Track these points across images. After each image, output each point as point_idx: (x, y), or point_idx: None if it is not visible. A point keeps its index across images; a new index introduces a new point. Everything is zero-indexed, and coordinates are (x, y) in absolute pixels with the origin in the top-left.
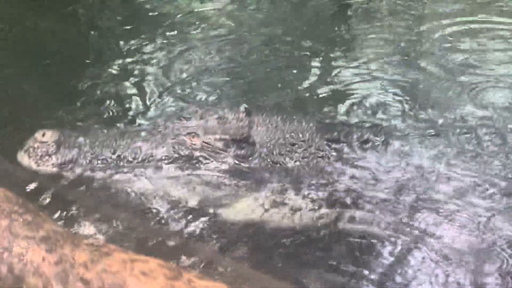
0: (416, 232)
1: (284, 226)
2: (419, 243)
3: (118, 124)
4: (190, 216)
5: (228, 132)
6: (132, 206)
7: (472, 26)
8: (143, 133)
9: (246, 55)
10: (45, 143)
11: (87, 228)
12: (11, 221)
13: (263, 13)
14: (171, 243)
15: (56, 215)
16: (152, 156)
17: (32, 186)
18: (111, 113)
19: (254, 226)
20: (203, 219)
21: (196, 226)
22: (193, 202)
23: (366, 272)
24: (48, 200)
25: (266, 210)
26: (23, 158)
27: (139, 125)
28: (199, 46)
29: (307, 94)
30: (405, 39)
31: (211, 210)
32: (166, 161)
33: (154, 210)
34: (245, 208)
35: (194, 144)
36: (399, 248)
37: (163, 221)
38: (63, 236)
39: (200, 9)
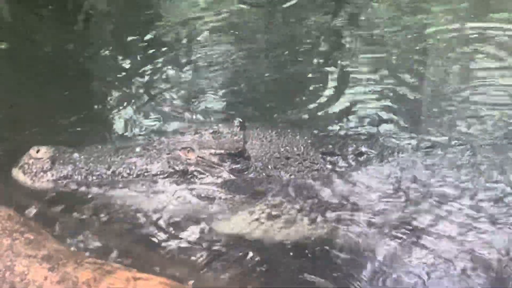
0: (412, 244)
1: (279, 240)
2: (415, 256)
3: (113, 140)
4: (186, 231)
5: (223, 146)
6: (128, 221)
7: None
8: (138, 149)
9: (242, 69)
10: (39, 159)
11: (84, 246)
12: (13, 240)
13: (262, 28)
14: (169, 259)
15: (53, 232)
16: (148, 171)
17: (27, 202)
18: (106, 129)
19: (250, 239)
20: (199, 234)
21: (192, 241)
22: (188, 217)
23: (359, 285)
24: (42, 216)
25: (262, 224)
26: (18, 175)
27: (134, 140)
28: (196, 61)
29: (303, 108)
30: (403, 54)
31: (207, 225)
32: (161, 176)
33: (151, 226)
34: (241, 221)
35: (189, 159)
36: (394, 260)
37: (159, 237)
38: (65, 255)
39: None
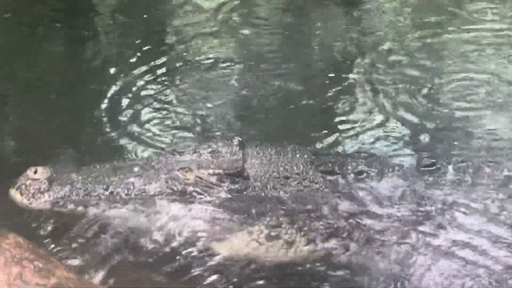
0: (414, 265)
1: (278, 261)
2: (415, 276)
3: (111, 159)
4: (184, 252)
5: (222, 166)
6: (125, 243)
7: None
8: (136, 168)
9: (244, 86)
10: (37, 180)
11: (88, 271)
12: (22, 268)
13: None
14: (173, 282)
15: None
16: (146, 191)
17: (25, 224)
18: (105, 147)
19: (249, 260)
20: (197, 254)
21: (190, 262)
22: (186, 238)
23: None
24: (41, 239)
25: (261, 244)
26: (16, 195)
27: (133, 159)
28: (198, 79)
29: (303, 125)
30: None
31: (205, 245)
32: (159, 197)
33: (149, 248)
34: (240, 242)
35: (188, 179)
36: (395, 280)
37: (158, 259)
38: (75, 283)
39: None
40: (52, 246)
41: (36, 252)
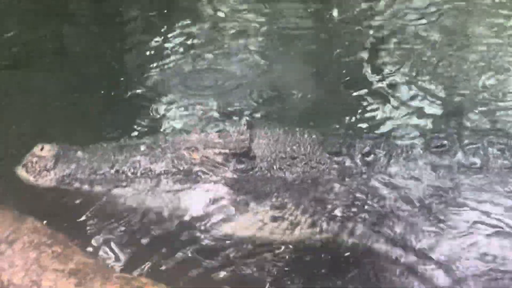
0: (419, 248)
1: (283, 241)
2: (422, 260)
3: (118, 137)
4: (189, 232)
5: (228, 146)
6: (131, 222)
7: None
8: (142, 147)
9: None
10: (43, 157)
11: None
12: (40, 253)
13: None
14: (174, 262)
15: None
16: (151, 170)
17: (30, 201)
18: (112, 126)
19: (254, 241)
20: (201, 234)
21: (195, 241)
22: (191, 217)
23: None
24: (48, 218)
25: (265, 225)
26: (22, 173)
27: (139, 138)
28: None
29: (310, 106)
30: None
31: (210, 225)
32: (165, 176)
33: (154, 227)
34: (244, 222)
35: (194, 159)
36: (399, 264)
37: (163, 239)
38: (93, 269)
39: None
40: (61, 227)
41: (55, 237)
